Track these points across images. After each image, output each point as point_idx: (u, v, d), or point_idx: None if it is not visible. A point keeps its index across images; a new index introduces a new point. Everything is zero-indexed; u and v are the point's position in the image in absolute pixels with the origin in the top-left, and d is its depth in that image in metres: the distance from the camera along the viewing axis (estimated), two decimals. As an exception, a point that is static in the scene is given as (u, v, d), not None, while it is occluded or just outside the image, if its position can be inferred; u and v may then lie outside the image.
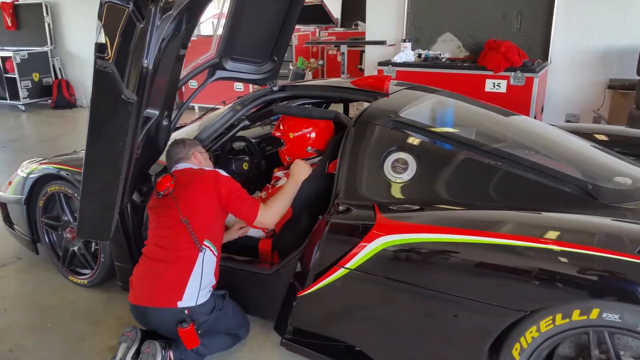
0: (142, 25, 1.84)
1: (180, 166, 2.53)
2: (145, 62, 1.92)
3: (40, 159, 3.38)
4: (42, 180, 3.15)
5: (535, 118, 5.00)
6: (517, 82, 5.04)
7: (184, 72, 2.71)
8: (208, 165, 2.61)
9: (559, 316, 1.77)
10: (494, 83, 5.17)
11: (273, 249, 2.71)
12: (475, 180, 2.26)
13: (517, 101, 4.99)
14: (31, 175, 3.18)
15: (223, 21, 2.76)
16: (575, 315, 1.75)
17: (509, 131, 2.81)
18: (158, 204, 2.44)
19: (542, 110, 5.53)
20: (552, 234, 1.86)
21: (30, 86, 9.03)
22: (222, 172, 2.47)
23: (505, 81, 5.09)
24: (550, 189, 2.16)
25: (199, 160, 2.58)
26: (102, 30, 1.76)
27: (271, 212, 2.42)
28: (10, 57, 8.79)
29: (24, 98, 8.95)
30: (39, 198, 3.19)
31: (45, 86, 9.25)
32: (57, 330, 2.74)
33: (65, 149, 5.12)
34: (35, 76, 9.09)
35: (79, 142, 6.23)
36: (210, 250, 2.35)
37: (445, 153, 2.37)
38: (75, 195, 2.99)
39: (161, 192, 2.37)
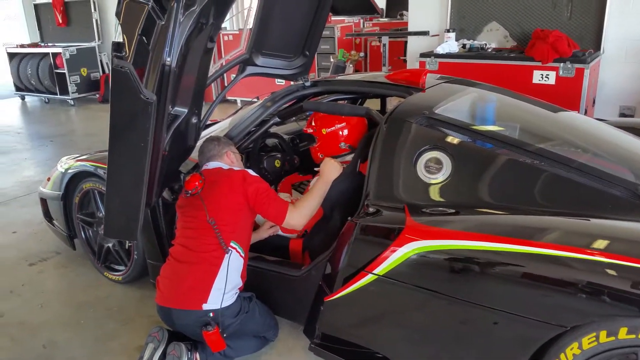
0: (163, 23, 1.79)
1: (211, 165, 2.49)
2: (168, 59, 1.88)
3: (78, 155, 3.41)
4: (79, 177, 3.18)
5: (586, 111, 4.75)
6: (566, 74, 4.79)
7: (213, 69, 2.67)
8: (239, 166, 2.56)
9: (603, 333, 1.63)
10: (542, 74, 4.92)
11: (304, 249, 2.64)
12: (515, 183, 2.12)
13: (567, 93, 4.74)
14: (68, 172, 3.22)
15: (253, 15, 2.69)
16: (622, 334, 1.61)
17: (552, 128, 2.65)
18: (186, 203, 2.41)
19: (594, 102, 5.24)
20: (598, 244, 1.72)
21: (79, 81, 9.27)
22: (251, 172, 2.41)
23: (554, 72, 4.84)
24: (597, 192, 2.00)
25: (231, 160, 2.53)
26: (120, 29, 1.72)
27: (300, 214, 2.35)
28: (60, 53, 9.05)
29: (72, 93, 9.21)
30: (75, 194, 3.22)
31: (93, 81, 9.49)
32: (89, 327, 2.77)
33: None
34: (84, 71, 9.33)
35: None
36: (237, 252, 2.30)
37: (482, 152, 2.24)
38: (109, 192, 2.99)
39: (189, 191, 2.33)
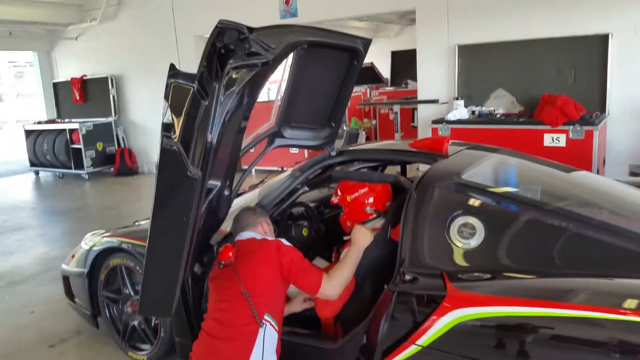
0: (206, 103, 1.87)
1: (245, 235, 2.49)
2: (210, 137, 1.94)
3: (103, 231, 3.43)
4: (105, 253, 3.17)
5: (597, 171, 4.84)
6: (576, 136, 4.92)
7: (244, 142, 2.74)
8: (272, 236, 2.57)
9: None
10: (553, 137, 5.07)
11: (336, 320, 2.60)
12: (550, 245, 2.13)
13: (578, 155, 4.87)
14: (94, 248, 3.22)
15: (282, 90, 2.80)
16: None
17: (579, 190, 2.70)
18: (219, 275, 2.40)
19: (604, 162, 5.33)
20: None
21: (94, 155, 9.42)
22: (285, 242, 2.42)
23: (564, 135, 4.99)
24: (627, 251, 2.00)
25: (264, 230, 2.55)
26: (169, 110, 1.80)
27: (335, 283, 2.33)
28: (76, 129, 9.26)
29: (87, 167, 9.33)
30: (100, 271, 3.21)
31: (108, 155, 9.63)
32: (116, 411, 2.69)
33: (127, 217, 5.23)
34: (99, 145, 9.50)
35: (141, 209, 6.36)
36: (271, 325, 2.27)
37: (514, 216, 2.25)
38: (137, 268, 2.99)
39: (222, 262, 2.33)
